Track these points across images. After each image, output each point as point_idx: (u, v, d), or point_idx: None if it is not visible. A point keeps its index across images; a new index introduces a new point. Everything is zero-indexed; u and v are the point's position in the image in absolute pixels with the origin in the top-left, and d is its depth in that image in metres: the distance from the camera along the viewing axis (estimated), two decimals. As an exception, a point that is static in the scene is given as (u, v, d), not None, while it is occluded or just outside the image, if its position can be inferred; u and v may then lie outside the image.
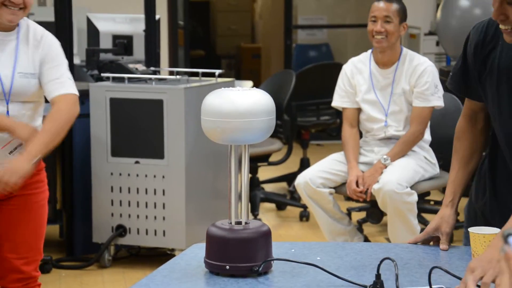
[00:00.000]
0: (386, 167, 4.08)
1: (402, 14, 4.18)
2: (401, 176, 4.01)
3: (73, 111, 2.82)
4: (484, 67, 2.19)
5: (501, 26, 2.04)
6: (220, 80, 4.62)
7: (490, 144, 2.31)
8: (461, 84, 2.29)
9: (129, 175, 4.40)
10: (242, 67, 10.35)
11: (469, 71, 2.25)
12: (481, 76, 2.20)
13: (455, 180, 2.31)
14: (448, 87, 2.35)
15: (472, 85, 2.26)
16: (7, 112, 2.74)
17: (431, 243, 2.28)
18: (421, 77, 4.16)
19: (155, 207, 4.38)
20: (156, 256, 4.54)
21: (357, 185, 4.09)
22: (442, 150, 4.36)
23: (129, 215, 4.43)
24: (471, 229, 2.11)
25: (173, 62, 7.30)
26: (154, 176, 4.36)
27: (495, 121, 2.22)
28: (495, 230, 2.10)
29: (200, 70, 4.59)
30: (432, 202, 4.59)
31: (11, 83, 2.73)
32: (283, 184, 6.21)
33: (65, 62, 2.83)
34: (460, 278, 1.96)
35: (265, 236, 2.07)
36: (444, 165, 4.36)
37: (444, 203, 2.31)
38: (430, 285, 1.88)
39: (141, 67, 4.76)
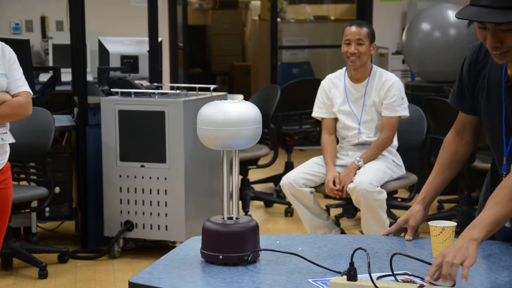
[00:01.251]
0: (359, 168, 4.09)
1: (372, 37, 4.18)
2: (372, 177, 4.01)
3: (28, 108, 2.90)
4: (477, 82, 2.19)
5: (493, 52, 2.01)
6: (214, 94, 4.60)
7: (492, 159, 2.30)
8: (458, 99, 2.28)
9: (135, 177, 4.38)
10: (234, 82, 10.33)
11: (464, 87, 2.24)
12: (475, 90, 2.20)
13: (430, 183, 2.31)
14: (449, 103, 2.33)
15: (466, 100, 2.25)
16: None
17: (402, 234, 2.28)
18: (389, 91, 4.16)
19: (158, 205, 4.36)
20: (159, 248, 4.52)
21: (334, 184, 4.09)
22: (407, 154, 4.37)
23: (136, 212, 4.41)
24: (431, 223, 2.11)
25: (173, 79, 7.29)
26: (157, 178, 4.34)
27: (486, 129, 2.23)
28: (451, 224, 2.11)
29: (197, 86, 4.58)
30: (399, 199, 4.58)
31: None
32: (270, 184, 6.20)
33: (21, 67, 2.92)
34: (420, 260, 1.97)
35: (253, 230, 2.07)
36: (409, 167, 4.37)
37: (416, 200, 2.32)
38: (391, 268, 1.88)
39: (145, 83, 4.74)
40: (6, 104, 2.82)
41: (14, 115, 2.86)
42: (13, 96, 2.85)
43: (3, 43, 2.89)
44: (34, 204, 4.33)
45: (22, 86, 2.87)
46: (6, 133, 2.86)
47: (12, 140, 2.87)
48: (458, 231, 2.08)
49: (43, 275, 4.16)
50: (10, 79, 2.85)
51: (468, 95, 2.23)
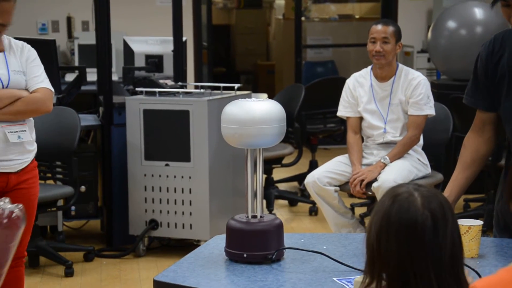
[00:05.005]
0: (385, 165, 4.07)
1: (398, 35, 4.16)
2: (397, 175, 3.99)
3: (47, 104, 2.89)
4: (496, 72, 2.20)
5: None
6: (238, 93, 4.61)
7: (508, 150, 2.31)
8: (473, 97, 2.28)
9: (160, 176, 4.40)
10: (258, 81, 10.33)
11: (479, 84, 2.24)
12: (494, 80, 2.20)
13: (454, 181, 2.31)
14: (464, 102, 2.34)
15: (482, 97, 2.25)
16: None
17: None
18: (415, 89, 4.13)
19: (182, 203, 4.37)
20: (184, 246, 4.53)
21: (361, 184, 4.05)
22: (433, 153, 4.33)
23: (161, 211, 4.43)
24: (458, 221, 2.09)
25: (198, 78, 7.31)
26: (182, 177, 4.35)
27: (507, 121, 2.22)
28: (478, 222, 2.09)
29: (221, 85, 4.59)
30: (425, 198, 4.55)
31: (8, 79, 2.83)
32: (295, 183, 6.19)
33: (42, 66, 2.93)
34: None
35: (278, 228, 2.06)
36: (435, 166, 4.33)
37: None
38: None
39: (170, 82, 4.76)
40: (22, 100, 2.83)
41: (31, 111, 2.87)
42: (31, 93, 2.87)
43: (24, 42, 2.92)
44: (60, 203, 4.37)
45: (40, 82, 2.88)
46: (25, 131, 2.86)
47: (30, 138, 2.88)
48: (485, 230, 2.06)
49: (69, 273, 4.20)
50: (28, 76, 2.87)
51: (485, 90, 2.23)
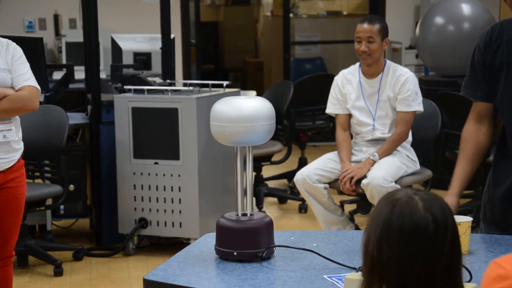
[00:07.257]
0: (374, 162, 4.08)
1: (384, 32, 4.15)
2: (386, 172, 4.00)
3: (33, 102, 2.87)
4: (494, 61, 2.22)
5: None
6: (227, 90, 4.60)
7: (496, 145, 2.33)
8: (471, 89, 2.30)
9: (149, 174, 4.39)
10: (247, 79, 10.32)
11: (477, 74, 2.26)
12: (492, 69, 2.22)
13: (460, 175, 2.33)
14: (461, 94, 2.36)
15: (480, 87, 2.27)
16: None
17: None
18: (404, 85, 4.14)
19: (172, 202, 4.37)
20: (173, 245, 4.52)
21: (350, 181, 4.06)
22: (422, 149, 4.35)
23: (150, 209, 4.42)
24: None
25: (186, 75, 7.29)
26: (171, 175, 4.35)
27: (504, 111, 2.23)
28: (467, 219, 2.09)
29: (210, 82, 4.58)
30: (414, 195, 4.56)
31: None
32: (284, 181, 6.19)
33: (28, 64, 2.91)
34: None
35: (268, 226, 2.06)
36: (424, 162, 4.35)
37: (449, 193, 2.32)
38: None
39: (158, 80, 4.74)
40: (7, 99, 2.81)
41: (17, 109, 2.85)
42: (17, 91, 2.85)
43: (9, 40, 2.91)
44: (49, 202, 4.35)
45: (26, 80, 2.86)
46: (10, 130, 2.84)
47: (16, 137, 2.86)
48: (474, 226, 2.06)
49: (58, 272, 4.18)
50: (14, 74, 2.85)
51: (483, 80, 2.24)
